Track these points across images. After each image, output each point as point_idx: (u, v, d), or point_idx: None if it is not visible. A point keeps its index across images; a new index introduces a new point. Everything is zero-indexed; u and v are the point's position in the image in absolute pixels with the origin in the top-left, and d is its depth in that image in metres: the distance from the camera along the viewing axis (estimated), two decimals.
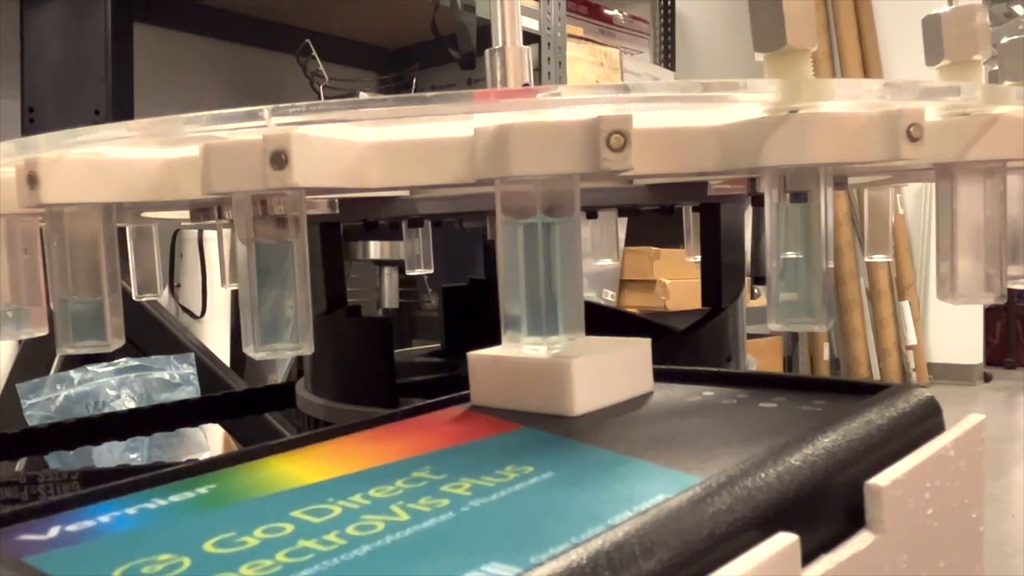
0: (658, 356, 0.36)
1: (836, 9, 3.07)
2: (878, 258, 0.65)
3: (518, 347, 0.31)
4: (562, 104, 0.30)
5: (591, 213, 0.70)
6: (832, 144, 0.31)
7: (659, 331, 0.75)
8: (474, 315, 0.65)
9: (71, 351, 0.36)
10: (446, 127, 0.32)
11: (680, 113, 0.34)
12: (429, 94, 0.30)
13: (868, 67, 3.04)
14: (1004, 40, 0.46)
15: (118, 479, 0.26)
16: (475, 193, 0.49)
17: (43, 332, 0.42)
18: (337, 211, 0.50)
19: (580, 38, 1.98)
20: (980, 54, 0.42)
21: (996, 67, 0.48)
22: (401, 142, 0.32)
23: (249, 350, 0.32)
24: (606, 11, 2.33)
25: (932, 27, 0.43)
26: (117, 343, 0.36)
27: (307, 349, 0.32)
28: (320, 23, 1.62)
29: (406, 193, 0.50)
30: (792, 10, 0.37)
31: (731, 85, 0.31)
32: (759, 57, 0.38)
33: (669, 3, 2.74)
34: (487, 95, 0.31)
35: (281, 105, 0.30)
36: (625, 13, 2.41)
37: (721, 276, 0.64)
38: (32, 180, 0.33)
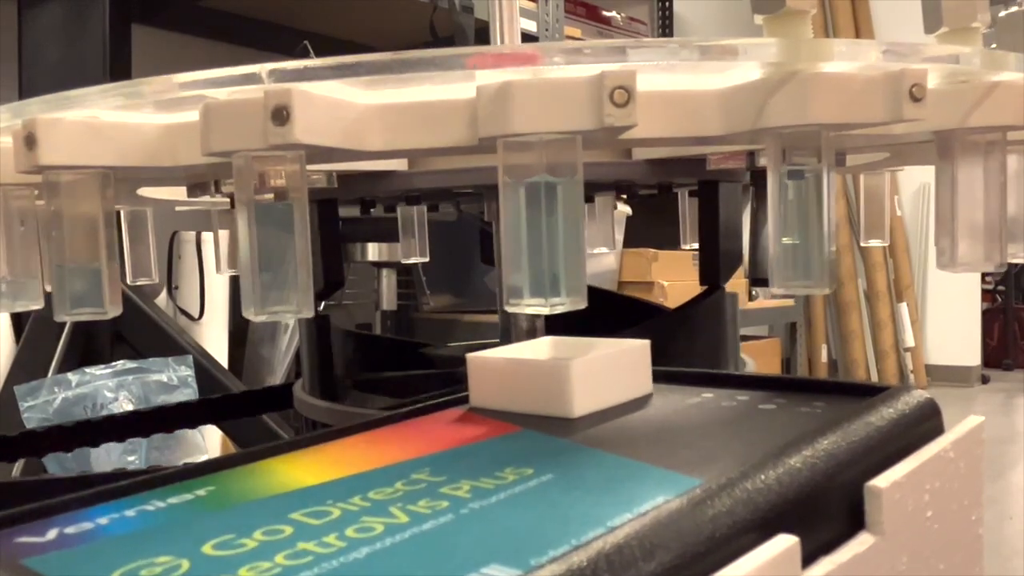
0: (655, 335, 0.36)
1: (834, 10, 3.08)
2: (874, 243, 0.65)
3: (520, 309, 0.31)
4: (560, 64, 0.30)
5: (588, 197, 0.70)
6: (835, 104, 0.31)
7: (653, 311, 0.75)
8: None
9: (68, 318, 0.35)
10: (447, 90, 0.32)
11: (682, 77, 0.34)
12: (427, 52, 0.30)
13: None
14: (1001, 14, 0.46)
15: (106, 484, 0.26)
16: (473, 167, 0.49)
17: (38, 305, 0.42)
18: (336, 185, 0.50)
19: (578, 40, 1.98)
20: (979, 21, 0.42)
21: (994, 44, 0.47)
22: (402, 104, 0.32)
23: (250, 313, 0.31)
24: (604, 12, 2.33)
25: None
26: (115, 311, 0.36)
27: (307, 312, 0.32)
28: (318, 24, 1.62)
29: (404, 167, 0.49)
30: None
31: (730, 47, 0.31)
32: (758, 19, 0.38)
33: (667, 4, 2.74)
34: (484, 57, 0.31)
35: (278, 65, 0.30)
36: (623, 14, 2.41)
37: (719, 256, 0.64)
38: (30, 141, 0.32)
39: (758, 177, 0.65)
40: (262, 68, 0.30)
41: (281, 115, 0.29)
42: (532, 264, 0.30)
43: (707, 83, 0.34)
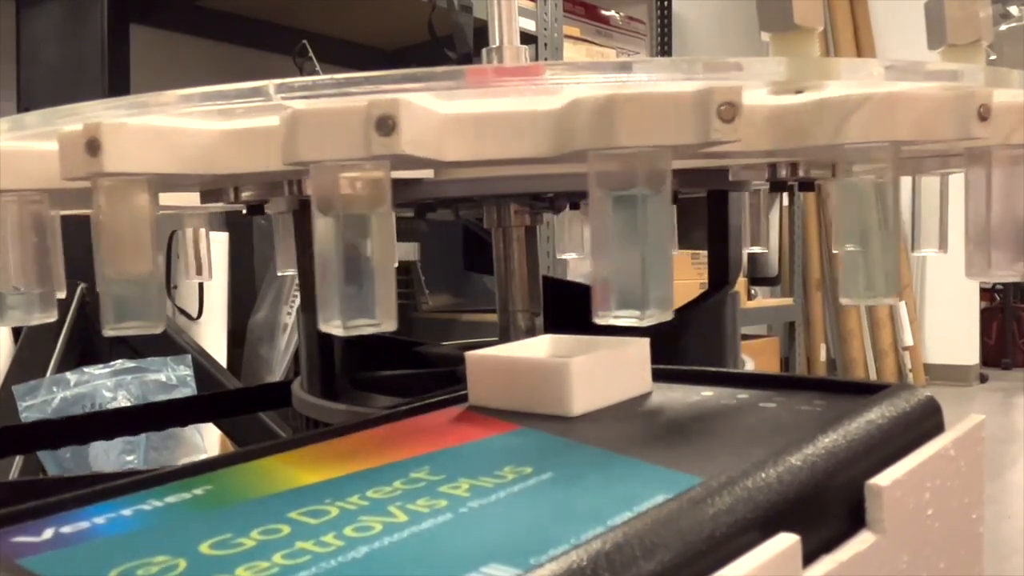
0: (656, 336, 0.36)
1: (832, 8, 3.07)
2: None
3: (607, 321, 0.31)
4: (564, 83, 0.30)
5: (573, 204, 0.70)
6: (910, 123, 0.32)
7: None
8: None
9: (114, 332, 0.34)
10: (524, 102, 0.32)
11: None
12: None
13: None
14: (1003, 27, 0.46)
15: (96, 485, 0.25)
16: (501, 176, 0.48)
17: (52, 318, 0.40)
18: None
19: (577, 39, 1.98)
20: (983, 37, 0.42)
21: (993, 56, 0.47)
22: (485, 114, 0.32)
23: (334, 327, 0.31)
24: (603, 12, 2.33)
25: (935, 10, 0.43)
26: (161, 326, 0.34)
27: (390, 324, 0.31)
28: (317, 24, 1.61)
29: (430, 175, 0.49)
30: None
31: (735, 64, 0.31)
32: (765, 37, 0.38)
33: (666, 4, 2.74)
34: (483, 72, 0.31)
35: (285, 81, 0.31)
36: (622, 14, 2.41)
37: (729, 262, 0.65)
38: (93, 147, 0.31)
39: (780, 185, 0.65)
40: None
41: (387, 125, 0.29)
42: (621, 275, 0.30)
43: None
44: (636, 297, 0.30)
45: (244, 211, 0.61)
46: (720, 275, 0.65)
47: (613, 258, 0.30)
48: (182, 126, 0.33)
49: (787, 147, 0.35)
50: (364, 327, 0.31)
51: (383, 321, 0.31)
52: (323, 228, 0.31)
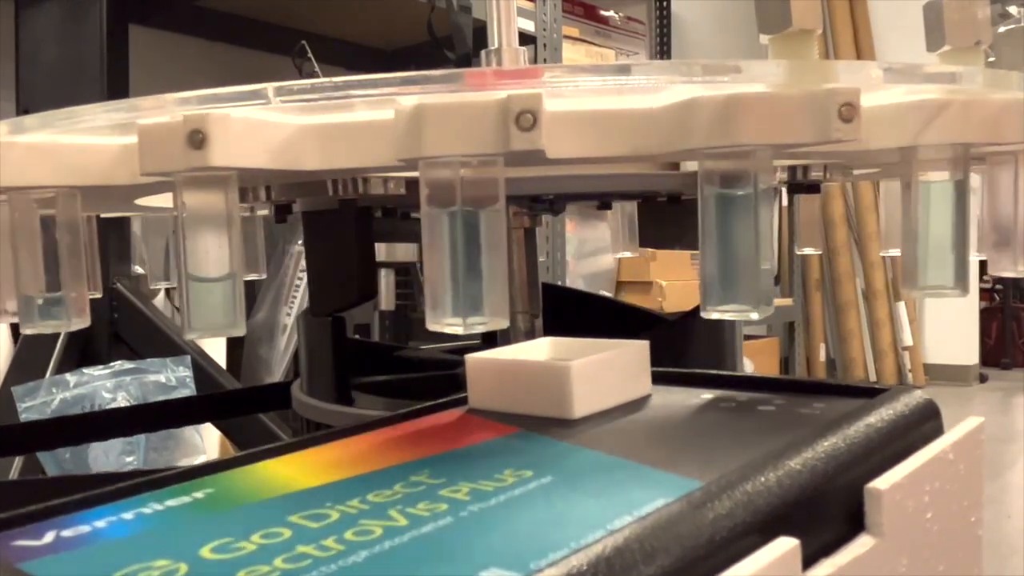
0: (655, 346, 0.36)
1: (832, 9, 3.07)
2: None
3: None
4: (563, 85, 0.31)
5: (605, 204, 0.70)
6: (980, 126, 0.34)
7: (654, 320, 0.75)
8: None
9: (196, 336, 0.33)
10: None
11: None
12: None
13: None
14: (1001, 29, 0.46)
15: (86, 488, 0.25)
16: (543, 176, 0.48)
17: (85, 324, 0.38)
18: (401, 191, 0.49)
19: (576, 39, 1.99)
20: (981, 39, 0.42)
21: (992, 59, 0.48)
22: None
23: (454, 324, 0.31)
24: (602, 12, 2.33)
25: (933, 13, 0.44)
26: (242, 329, 0.34)
27: (502, 322, 0.31)
28: (316, 25, 1.61)
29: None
30: None
31: (734, 67, 0.31)
32: (764, 39, 0.38)
33: (665, 4, 2.74)
34: (483, 76, 0.31)
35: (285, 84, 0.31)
36: (621, 14, 2.41)
37: None
38: (197, 140, 0.30)
39: (799, 187, 0.65)
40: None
41: (528, 120, 0.29)
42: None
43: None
44: (744, 293, 0.31)
45: (270, 213, 0.61)
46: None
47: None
48: (274, 120, 0.33)
49: (887, 146, 0.35)
50: (479, 325, 0.31)
51: (495, 319, 0.31)
52: (439, 225, 0.31)
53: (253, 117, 0.32)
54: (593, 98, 0.34)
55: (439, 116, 0.30)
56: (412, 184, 0.49)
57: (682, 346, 0.61)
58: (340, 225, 0.57)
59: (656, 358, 0.36)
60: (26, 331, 0.37)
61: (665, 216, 0.73)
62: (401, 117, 0.30)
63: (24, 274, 0.37)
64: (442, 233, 0.31)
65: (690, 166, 0.56)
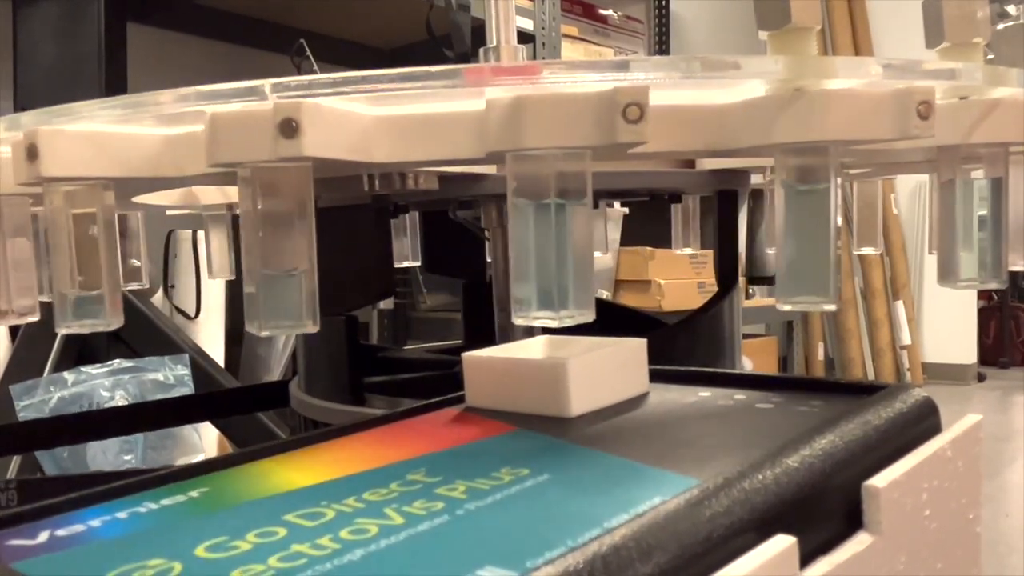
0: (653, 349, 0.36)
1: (831, 8, 3.07)
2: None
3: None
4: (562, 80, 0.30)
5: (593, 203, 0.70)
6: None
7: (652, 323, 0.75)
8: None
9: (267, 333, 0.32)
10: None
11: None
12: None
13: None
14: (1000, 27, 0.47)
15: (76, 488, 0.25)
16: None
17: (120, 323, 0.37)
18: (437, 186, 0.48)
19: (575, 38, 1.98)
20: (980, 36, 0.42)
21: (991, 56, 0.48)
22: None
23: (544, 318, 0.30)
24: (600, 11, 2.33)
25: (933, 9, 0.44)
26: (314, 326, 0.32)
27: (588, 315, 0.31)
28: (315, 23, 1.61)
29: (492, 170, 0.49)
30: None
31: (732, 64, 0.31)
32: (763, 35, 0.38)
33: (663, 3, 2.74)
34: (481, 71, 0.31)
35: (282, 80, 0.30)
36: (620, 13, 2.41)
37: (736, 260, 0.65)
38: (291, 129, 0.29)
39: (757, 192, 0.66)
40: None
41: (634, 113, 0.29)
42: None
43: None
44: (817, 285, 0.32)
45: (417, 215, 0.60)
46: (729, 275, 0.66)
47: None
48: (356, 110, 0.32)
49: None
50: (567, 319, 0.31)
51: (583, 313, 0.31)
52: (527, 218, 0.31)
53: (339, 107, 0.31)
54: (674, 92, 0.34)
55: (541, 108, 0.29)
56: (443, 179, 0.49)
57: (681, 349, 0.61)
58: (361, 221, 0.56)
59: (654, 362, 0.36)
60: (61, 331, 0.36)
61: (661, 214, 0.73)
62: (496, 109, 0.30)
63: (60, 271, 0.35)
64: (530, 226, 0.31)
65: (707, 163, 0.57)
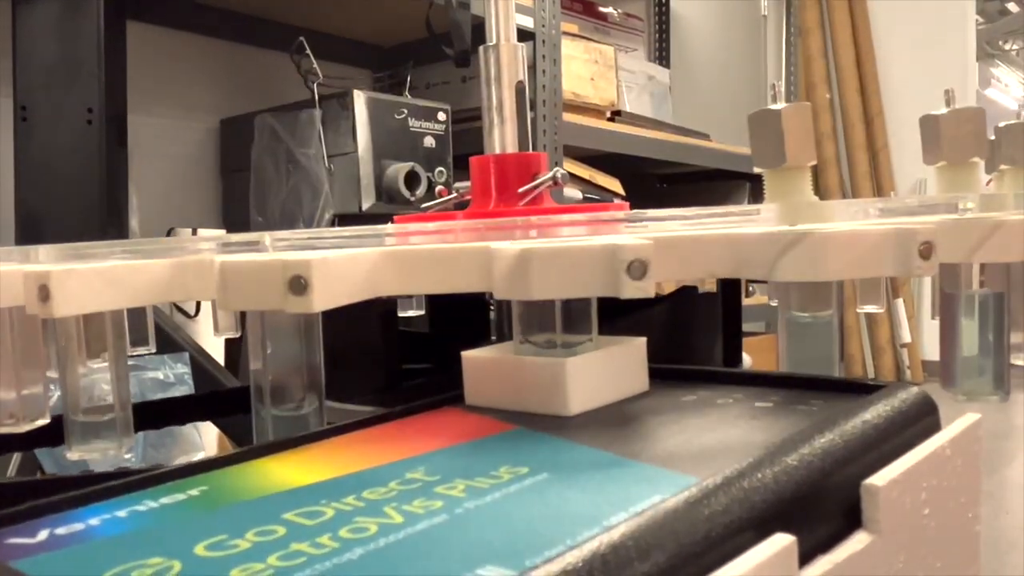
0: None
1: (831, 8, 3.07)
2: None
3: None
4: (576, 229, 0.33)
5: None
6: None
7: (652, 301, 0.76)
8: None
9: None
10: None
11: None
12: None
13: (862, 66, 3.04)
14: (1001, 124, 0.47)
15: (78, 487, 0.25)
16: None
17: (131, 443, 0.37)
18: None
19: (575, 35, 1.98)
20: (977, 156, 0.43)
21: (992, 136, 0.48)
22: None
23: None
24: (600, 8, 2.33)
25: (930, 127, 0.45)
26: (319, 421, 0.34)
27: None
28: (314, 21, 1.61)
29: None
30: (792, 128, 0.38)
31: (735, 212, 0.34)
32: (758, 170, 0.39)
33: (664, 1, 2.73)
34: (485, 169, 0.33)
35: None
36: (620, 10, 2.40)
37: (740, 349, 0.66)
38: (300, 286, 0.30)
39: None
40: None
41: (638, 271, 0.30)
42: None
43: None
44: None
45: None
46: (732, 358, 0.66)
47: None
48: (361, 254, 0.33)
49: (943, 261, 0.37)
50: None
51: None
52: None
53: (345, 255, 0.32)
54: (679, 227, 0.35)
55: (546, 262, 0.30)
56: None
57: (683, 321, 0.61)
58: (366, 312, 0.56)
59: (659, 335, 0.36)
60: (74, 456, 0.36)
61: (656, 205, 0.74)
62: (504, 260, 0.31)
63: (70, 399, 0.36)
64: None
65: None
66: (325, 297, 0.30)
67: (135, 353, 0.40)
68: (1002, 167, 0.48)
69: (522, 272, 0.30)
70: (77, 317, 0.35)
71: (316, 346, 0.34)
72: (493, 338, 0.65)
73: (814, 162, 0.39)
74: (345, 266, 0.31)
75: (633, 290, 0.29)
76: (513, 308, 0.34)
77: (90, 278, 0.33)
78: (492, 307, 0.63)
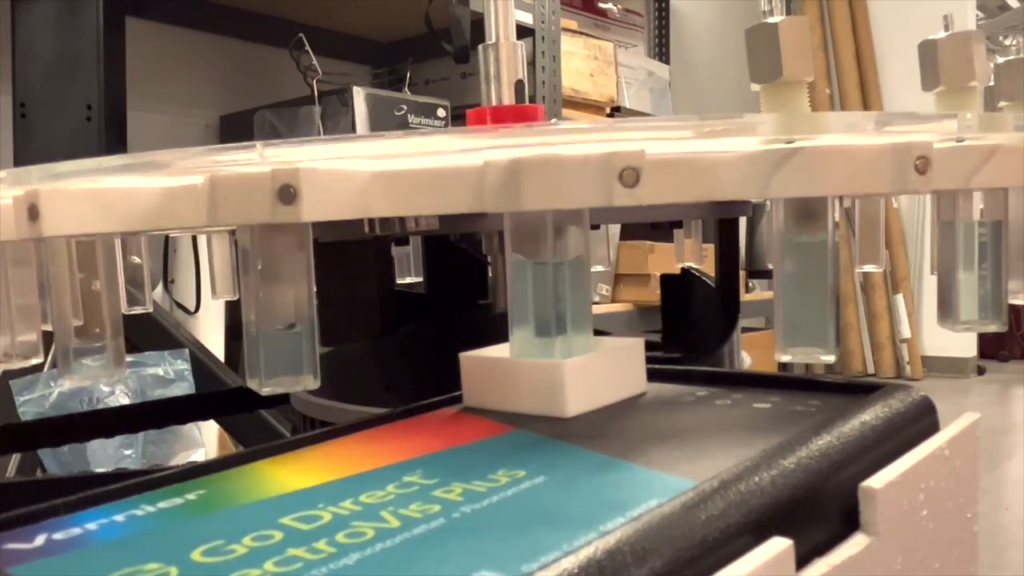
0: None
1: (831, 7, 3.07)
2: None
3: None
4: (561, 133, 0.31)
5: (593, 225, 0.71)
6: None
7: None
8: None
9: (267, 390, 0.31)
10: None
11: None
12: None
13: (862, 61, 3.04)
14: (1000, 60, 0.47)
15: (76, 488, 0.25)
16: None
17: (122, 373, 0.37)
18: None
19: (574, 32, 1.98)
20: (976, 80, 0.43)
21: (991, 83, 0.48)
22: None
23: (545, 353, 0.32)
24: (600, 4, 2.32)
25: (928, 53, 0.44)
26: (315, 383, 0.32)
27: (582, 350, 0.32)
28: (313, 17, 1.61)
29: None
30: (788, 41, 0.37)
31: (727, 121, 0.32)
32: (755, 87, 0.38)
33: None
34: (482, 121, 0.32)
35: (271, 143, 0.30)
36: (619, 6, 2.40)
37: (737, 292, 0.66)
38: (289, 195, 0.29)
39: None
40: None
41: (630, 178, 0.29)
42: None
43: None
44: (819, 335, 0.32)
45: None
46: (730, 268, 0.66)
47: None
48: (352, 168, 0.32)
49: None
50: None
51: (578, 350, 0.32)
52: (524, 272, 0.32)
53: (337, 168, 0.31)
54: (675, 143, 0.34)
55: (537, 171, 0.30)
56: (445, 218, 0.50)
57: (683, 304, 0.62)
58: (362, 257, 0.56)
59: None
60: (66, 384, 0.35)
61: None
62: (495, 171, 0.30)
63: (61, 326, 0.35)
64: (528, 280, 0.32)
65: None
66: (314, 208, 0.29)
67: (134, 355, 0.40)
68: (1001, 104, 0.47)
69: (513, 182, 0.29)
70: (68, 241, 0.34)
71: (308, 271, 0.33)
72: (489, 301, 0.65)
73: (811, 77, 0.38)
74: (336, 179, 0.31)
75: (625, 198, 0.29)
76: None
77: (81, 199, 0.32)
78: (489, 264, 0.62)
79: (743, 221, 0.72)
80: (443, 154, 0.32)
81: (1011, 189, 0.39)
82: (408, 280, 0.77)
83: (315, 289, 0.32)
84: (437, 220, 0.48)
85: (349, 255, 0.57)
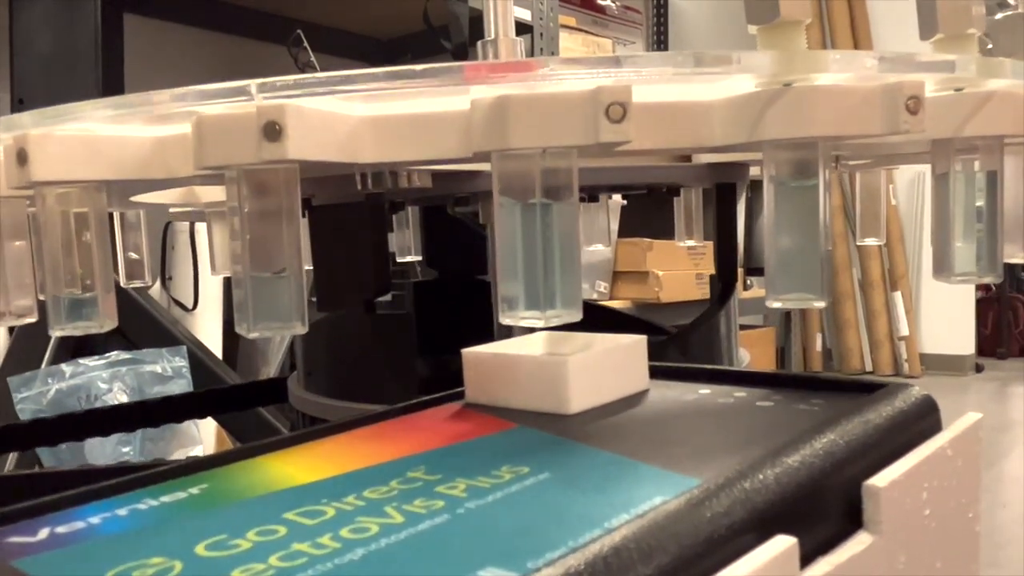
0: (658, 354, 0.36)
1: (830, 6, 3.06)
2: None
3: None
4: (555, 77, 0.30)
5: (592, 197, 0.70)
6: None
7: (652, 330, 0.75)
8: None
9: (255, 335, 0.31)
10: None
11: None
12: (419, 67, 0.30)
13: (855, 19, 3.03)
14: (998, 16, 0.46)
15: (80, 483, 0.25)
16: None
17: (114, 325, 0.36)
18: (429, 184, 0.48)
19: (573, 28, 1.98)
20: (974, 27, 0.42)
21: (990, 46, 0.48)
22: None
23: (531, 318, 0.30)
24: (599, 1, 2.32)
25: (926, 1, 0.44)
26: (303, 327, 0.32)
27: (576, 315, 0.31)
28: (311, 13, 1.61)
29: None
30: None
31: (724, 59, 0.31)
32: (752, 29, 0.38)
33: None
34: (478, 68, 0.31)
35: (267, 80, 0.30)
36: (618, 3, 2.40)
37: (734, 257, 0.65)
38: (274, 132, 0.29)
39: (755, 184, 0.66)
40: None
41: (616, 112, 0.29)
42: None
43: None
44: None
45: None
46: (728, 274, 0.66)
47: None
48: (340, 111, 0.32)
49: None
50: (555, 318, 0.31)
51: (570, 313, 0.31)
52: (513, 217, 0.31)
53: (324, 109, 0.31)
54: (661, 88, 0.33)
55: (524, 107, 0.29)
56: (438, 176, 0.49)
57: (679, 358, 0.61)
58: (355, 219, 0.56)
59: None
60: (54, 333, 0.36)
61: (658, 205, 0.73)
62: (480, 109, 0.30)
63: (53, 274, 0.35)
64: (516, 225, 0.31)
65: (704, 157, 0.56)
66: (300, 145, 0.29)
67: (132, 352, 0.40)
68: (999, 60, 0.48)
69: (499, 119, 0.29)
70: (58, 192, 0.34)
71: (295, 215, 0.32)
72: (488, 278, 0.65)
73: (809, 19, 0.38)
74: (322, 119, 0.30)
75: (611, 133, 0.28)
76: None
77: (71, 144, 0.32)
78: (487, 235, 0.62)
79: (742, 221, 0.72)
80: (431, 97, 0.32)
81: (1008, 154, 0.39)
82: (408, 259, 0.77)
83: (307, 246, 0.32)
84: (430, 177, 0.48)
85: (342, 218, 0.57)
